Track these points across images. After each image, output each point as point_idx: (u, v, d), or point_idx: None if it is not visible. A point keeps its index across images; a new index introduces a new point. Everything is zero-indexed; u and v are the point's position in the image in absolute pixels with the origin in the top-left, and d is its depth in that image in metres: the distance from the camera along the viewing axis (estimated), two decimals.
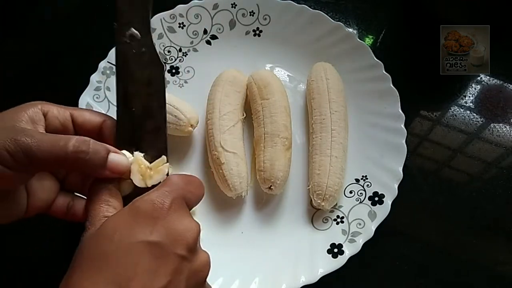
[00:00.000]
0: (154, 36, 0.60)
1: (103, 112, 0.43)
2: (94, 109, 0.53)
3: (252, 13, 0.62)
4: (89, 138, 0.32)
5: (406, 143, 0.53)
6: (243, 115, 0.56)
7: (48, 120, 0.34)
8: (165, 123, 0.35)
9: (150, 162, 0.34)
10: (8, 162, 0.29)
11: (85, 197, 0.36)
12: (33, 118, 0.33)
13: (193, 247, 0.31)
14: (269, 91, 0.54)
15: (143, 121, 0.35)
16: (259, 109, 0.54)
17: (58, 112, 0.35)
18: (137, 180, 0.34)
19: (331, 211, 0.53)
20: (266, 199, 0.54)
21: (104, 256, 0.28)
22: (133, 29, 0.34)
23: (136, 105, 0.35)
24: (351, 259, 0.49)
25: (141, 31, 0.35)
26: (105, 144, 0.33)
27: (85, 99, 0.56)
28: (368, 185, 0.53)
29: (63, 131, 0.35)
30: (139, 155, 0.34)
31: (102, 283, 0.26)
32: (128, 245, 0.28)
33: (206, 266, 0.33)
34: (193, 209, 0.34)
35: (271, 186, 0.51)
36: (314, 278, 0.48)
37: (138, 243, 0.28)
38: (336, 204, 0.53)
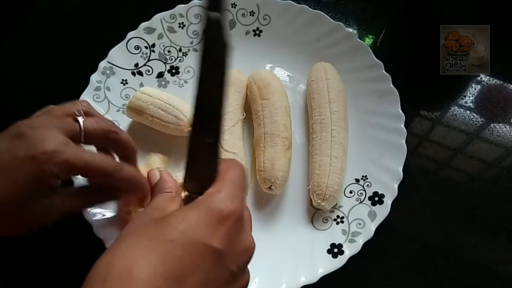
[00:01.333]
0: (154, 36, 0.60)
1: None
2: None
3: (252, 13, 0.62)
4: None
5: (406, 143, 0.53)
6: (243, 115, 0.56)
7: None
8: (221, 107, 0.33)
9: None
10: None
11: None
12: None
13: (245, 267, 0.31)
14: (269, 91, 0.54)
15: (207, 103, 0.33)
16: (259, 109, 0.54)
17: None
18: None
19: (331, 211, 0.53)
20: (266, 199, 0.54)
21: (168, 243, 0.27)
22: (213, 13, 0.32)
23: (204, 88, 0.33)
24: (351, 259, 0.49)
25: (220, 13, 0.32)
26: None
27: (85, 99, 0.56)
28: (368, 185, 0.53)
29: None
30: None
31: (160, 268, 0.26)
32: (193, 241, 0.27)
33: (246, 286, 0.33)
34: None
35: (271, 186, 0.51)
36: (314, 278, 0.48)
37: (203, 244, 0.27)
38: (336, 204, 0.53)
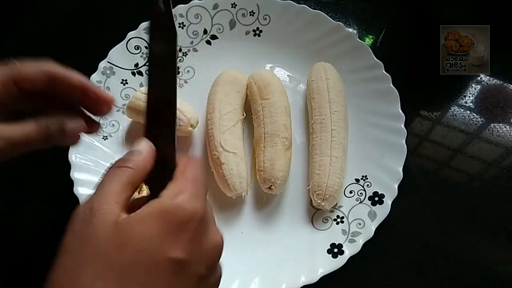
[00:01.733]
0: None
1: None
2: None
3: (252, 13, 0.62)
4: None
5: (406, 143, 0.53)
6: (243, 115, 0.56)
7: None
8: (175, 103, 0.32)
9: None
10: None
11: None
12: None
13: (214, 265, 0.30)
14: (269, 91, 0.54)
15: (158, 96, 0.32)
16: (259, 109, 0.54)
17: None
18: None
19: (331, 211, 0.53)
20: (266, 199, 0.54)
21: (128, 269, 0.25)
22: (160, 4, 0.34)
23: (155, 82, 0.32)
24: (351, 259, 0.49)
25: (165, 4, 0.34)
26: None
27: None
28: (368, 185, 0.53)
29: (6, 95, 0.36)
30: None
31: None
32: (154, 260, 0.25)
33: (219, 280, 0.31)
34: None
35: (271, 186, 0.51)
36: (314, 278, 0.48)
37: (165, 259, 0.26)
38: (336, 204, 0.53)
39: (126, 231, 0.26)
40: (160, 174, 0.30)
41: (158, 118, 0.31)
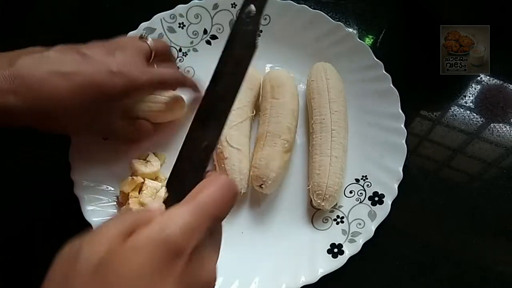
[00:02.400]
0: (154, 36, 0.60)
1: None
2: None
3: None
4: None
5: (406, 143, 0.53)
6: (253, 113, 0.56)
7: None
8: (231, 108, 0.32)
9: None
10: None
11: None
12: None
13: None
14: (281, 92, 0.54)
15: (218, 101, 0.31)
16: (267, 107, 0.54)
17: None
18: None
19: (331, 211, 0.53)
20: (266, 199, 0.54)
21: None
22: (252, 6, 0.32)
23: (220, 84, 0.32)
24: (351, 259, 0.49)
25: (257, 8, 0.33)
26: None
27: None
28: (368, 185, 0.53)
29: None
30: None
31: None
32: None
33: None
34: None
35: (261, 184, 0.51)
36: (314, 278, 0.48)
37: None
38: (336, 204, 0.53)
39: (112, 263, 0.24)
40: (183, 182, 0.29)
41: (206, 124, 0.30)
